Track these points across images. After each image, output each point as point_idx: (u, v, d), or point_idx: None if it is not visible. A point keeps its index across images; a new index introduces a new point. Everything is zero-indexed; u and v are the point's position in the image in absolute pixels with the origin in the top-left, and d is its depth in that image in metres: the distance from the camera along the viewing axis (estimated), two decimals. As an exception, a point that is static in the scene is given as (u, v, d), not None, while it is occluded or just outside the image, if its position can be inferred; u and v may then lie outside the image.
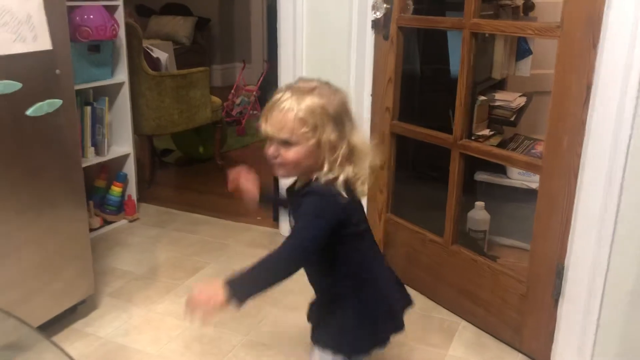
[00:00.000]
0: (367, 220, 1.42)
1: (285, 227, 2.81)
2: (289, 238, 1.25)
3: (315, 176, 1.28)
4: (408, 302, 1.47)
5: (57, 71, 1.83)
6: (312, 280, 1.44)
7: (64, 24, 1.85)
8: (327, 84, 1.31)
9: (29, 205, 1.83)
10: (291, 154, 1.26)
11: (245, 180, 1.49)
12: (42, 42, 1.74)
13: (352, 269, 1.35)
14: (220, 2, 6.83)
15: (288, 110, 1.24)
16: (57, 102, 1.84)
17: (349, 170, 1.27)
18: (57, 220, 1.93)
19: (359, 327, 1.35)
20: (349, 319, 1.35)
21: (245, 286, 1.18)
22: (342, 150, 1.27)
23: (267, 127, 1.27)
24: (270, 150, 1.28)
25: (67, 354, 0.88)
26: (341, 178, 1.27)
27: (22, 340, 0.83)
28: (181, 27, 6.40)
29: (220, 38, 6.94)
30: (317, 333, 1.42)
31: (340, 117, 1.28)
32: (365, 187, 1.31)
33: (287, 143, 1.25)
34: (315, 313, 1.46)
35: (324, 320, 1.41)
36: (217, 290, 1.15)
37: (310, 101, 1.25)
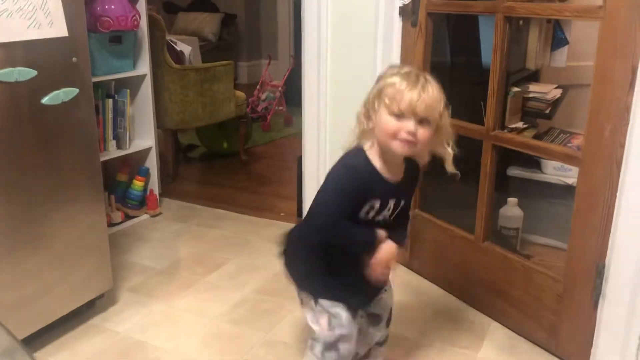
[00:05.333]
0: None
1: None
2: None
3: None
4: None
5: (74, 59, 1.78)
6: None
7: (81, 11, 1.80)
8: None
9: (47, 196, 1.79)
10: (428, 133, 1.31)
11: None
12: (58, 28, 1.69)
13: None
14: (246, -2, 6.80)
15: (437, 91, 1.32)
16: (74, 91, 1.79)
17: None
18: (74, 212, 1.89)
19: None
20: None
21: None
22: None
23: (420, 101, 1.28)
24: (412, 127, 1.29)
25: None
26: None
27: (7, 352, 0.76)
28: (208, 23, 6.38)
29: (246, 34, 6.90)
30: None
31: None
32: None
33: (426, 122, 1.30)
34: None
35: None
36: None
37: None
